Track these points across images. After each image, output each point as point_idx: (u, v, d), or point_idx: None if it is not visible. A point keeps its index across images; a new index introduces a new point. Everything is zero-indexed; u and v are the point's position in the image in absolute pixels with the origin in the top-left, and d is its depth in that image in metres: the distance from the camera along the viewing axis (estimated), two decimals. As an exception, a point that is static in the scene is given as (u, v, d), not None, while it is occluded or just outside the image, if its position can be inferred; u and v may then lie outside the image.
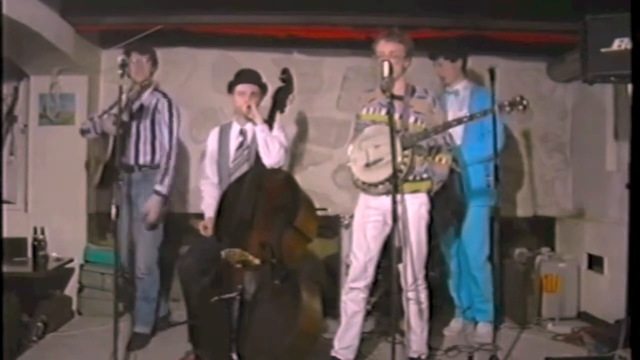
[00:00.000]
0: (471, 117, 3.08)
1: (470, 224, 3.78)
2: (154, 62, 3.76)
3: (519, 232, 4.74)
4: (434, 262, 4.08)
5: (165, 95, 3.73)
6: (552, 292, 4.25)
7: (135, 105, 3.64)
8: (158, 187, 3.62)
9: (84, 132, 3.76)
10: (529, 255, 4.45)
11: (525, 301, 4.19)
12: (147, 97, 3.69)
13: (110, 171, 3.55)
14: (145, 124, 3.64)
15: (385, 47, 3.04)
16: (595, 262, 4.24)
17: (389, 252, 3.18)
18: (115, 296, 3.26)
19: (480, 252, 3.76)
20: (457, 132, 3.66)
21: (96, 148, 3.75)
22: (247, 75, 3.57)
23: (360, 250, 3.15)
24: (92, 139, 3.78)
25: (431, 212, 3.14)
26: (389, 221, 3.07)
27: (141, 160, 3.64)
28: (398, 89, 3.01)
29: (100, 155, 3.67)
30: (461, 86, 3.88)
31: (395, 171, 2.78)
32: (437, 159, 3.12)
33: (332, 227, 4.27)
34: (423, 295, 3.14)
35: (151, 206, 3.60)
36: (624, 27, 2.79)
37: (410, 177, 3.01)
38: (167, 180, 3.64)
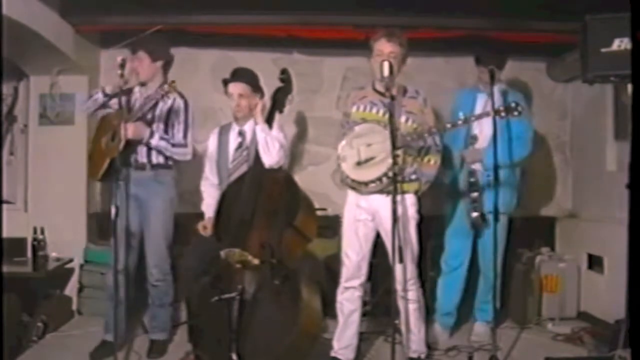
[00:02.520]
0: (465, 120, 3.08)
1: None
2: (158, 59, 3.53)
3: (519, 232, 4.73)
4: (433, 262, 4.09)
5: (182, 95, 3.56)
6: (552, 292, 4.25)
7: (151, 103, 3.47)
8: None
9: (102, 102, 3.48)
10: (529, 255, 4.45)
11: (525, 301, 4.19)
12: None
13: (115, 167, 3.37)
14: (159, 123, 3.49)
15: (385, 46, 3.05)
16: (595, 262, 4.24)
17: (381, 251, 3.19)
18: (115, 297, 3.27)
19: (497, 254, 3.69)
20: (485, 135, 3.58)
21: (102, 138, 3.52)
22: (237, 74, 3.55)
23: (352, 249, 3.16)
24: (103, 111, 3.55)
25: (420, 212, 3.14)
26: (378, 220, 3.09)
27: (154, 160, 3.48)
28: None
29: (108, 145, 3.45)
30: (495, 87, 3.79)
31: (395, 170, 2.79)
32: (425, 160, 3.12)
33: (332, 227, 4.27)
34: (418, 295, 3.14)
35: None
36: (624, 27, 2.78)
37: (399, 178, 2.99)
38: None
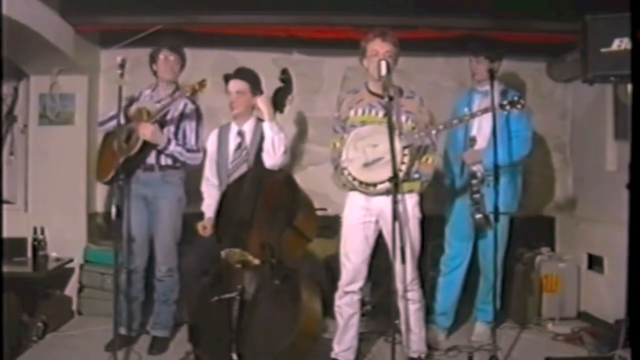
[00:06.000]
0: (472, 115, 3.08)
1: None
2: (183, 64, 3.67)
3: (519, 232, 4.72)
4: (434, 262, 4.09)
5: (193, 101, 3.64)
6: (552, 292, 4.25)
7: (168, 105, 3.51)
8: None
9: (112, 118, 3.56)
10: (529, 255, 4.45)
11: (525, 301, 4.19)
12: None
13: (128, 167, 3.46)
14: (170, 126, 3.55)
15: (380, 46, 3.05)
16: (595, 262, 4.24)
17: (380, 252, 3.19)
18: (115, 296, 3.28)
19: (498, 255, 3.67)
20: (484, 136, 3.56)
21: (114, 141, 3.47)
22: (239, 72, 3.59)
23: (355, 252, 3.14)
24: (112, 128, 3.60)
25: (422, 211, 3.14)
26: (382, 221, 3.09)
27: (162, 161, 3.54)
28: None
29: (121, 146, 3.41)
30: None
31: (396, 170, 2.78)
32: (423, 159, 3.12)
33: (332, 227, 4.27)
34: (419, 295, 3.14)
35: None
36: (624, 27, 2.78)
37: (405, 177, 3.01)
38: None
